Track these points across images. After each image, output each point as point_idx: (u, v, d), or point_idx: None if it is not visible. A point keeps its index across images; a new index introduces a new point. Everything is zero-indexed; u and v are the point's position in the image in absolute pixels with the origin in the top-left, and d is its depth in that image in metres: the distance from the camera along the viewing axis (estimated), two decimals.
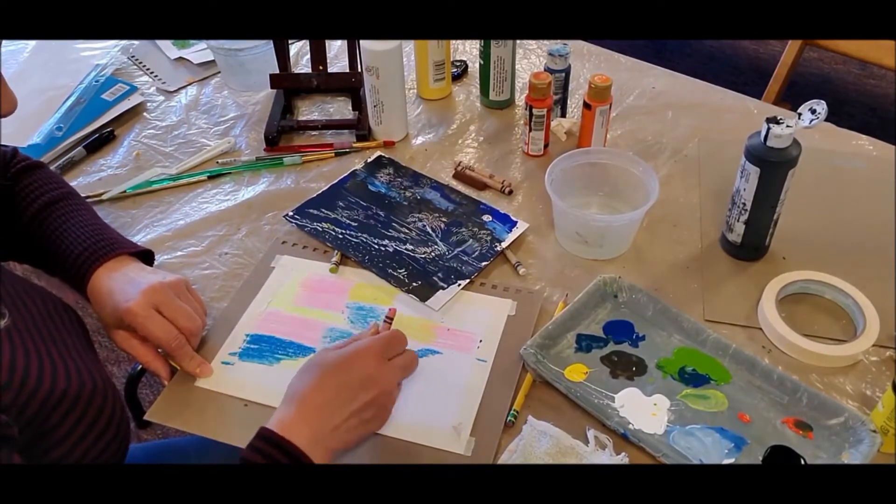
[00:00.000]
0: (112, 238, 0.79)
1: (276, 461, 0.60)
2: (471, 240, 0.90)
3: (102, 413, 0.63)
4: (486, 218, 0.93)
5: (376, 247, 0.89)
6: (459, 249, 0.89)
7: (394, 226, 0.92)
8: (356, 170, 1.01)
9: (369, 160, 1.03)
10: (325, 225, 0.92)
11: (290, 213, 0.94)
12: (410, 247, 0.89)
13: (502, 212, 0.94)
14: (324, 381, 0.65)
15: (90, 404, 0.62)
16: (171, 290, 0.74)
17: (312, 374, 0.66)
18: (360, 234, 0.91)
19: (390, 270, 0.86)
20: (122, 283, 0.74)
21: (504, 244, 0.89)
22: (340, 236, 0.91)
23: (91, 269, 0.75)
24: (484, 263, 0.87)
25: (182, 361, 0.75)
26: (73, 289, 0.78)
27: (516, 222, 0.92)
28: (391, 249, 0.89)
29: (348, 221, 0.93)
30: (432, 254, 0.88)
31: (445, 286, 0.84)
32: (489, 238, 0.90)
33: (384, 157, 1.03)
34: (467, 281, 0.85)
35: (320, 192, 0.97)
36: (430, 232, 0.91)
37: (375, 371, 0.67)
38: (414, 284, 0.85)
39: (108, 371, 1.76)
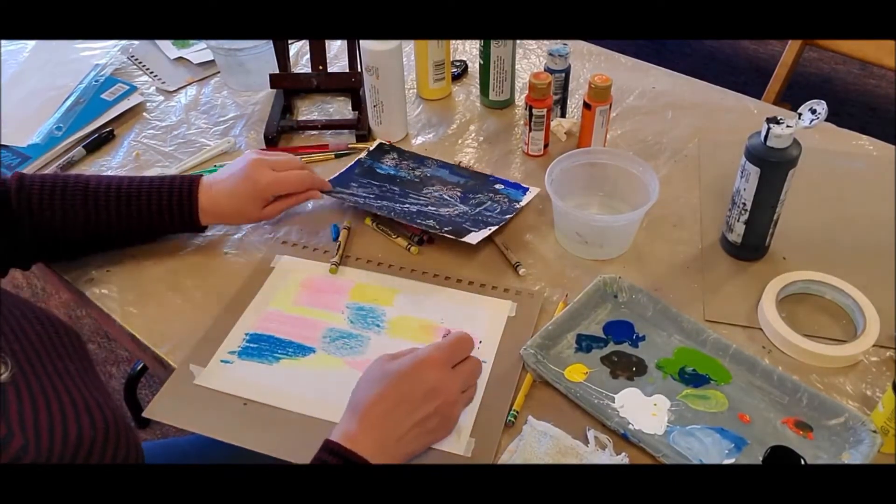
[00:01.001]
0: (163, 178, 0.87)
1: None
2: (489, 202, 0.94)
3: (119, 450, 0.61)
4: (499, 186, 0.97)
5: (399, 209, 0.92)
6: (481, 208, 0.92)
7: (410, 196, 0.95)
8: (361, 158, 1.02)
9: (371, 148, 1.04)
10: (343, 195, 0.94)
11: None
12: (433, 208, 0.92)
13: (511, 181, 0.98)
14: (386, 393, 0.65)
15: (106, 445, 0.59)
16: (256, 156, 0.89)
17: (375, 386, 0.66)
18: (381, 203, 0.93)
19: (419, 220, 0.89)
20: (228, 186, 0.87)
21: (523, 202, 0.94)
22: (362, 201, 0.93)
23: (194, 209, 0.85)
24: (507, 216, 0.91)
25: (314, 182, 0.91)
26: (189, 231, 0.90)
27: (528, 188, 0.96)
28: (415, 209, 0.92)
29: (365, 195, 0.95)
30: (455, 212, 0.92)
31: (477, 230, 0.87)
32: (506, 200, 0.95)
33: (385, 144, 1.05)
34: (497, 227, 0.89)
35: (330, 179, 0.98)
36: (448, 199, 0.94)
37: (438, 381, 0.66)
38: (447, 228, 0.88)
39: (108, 371, 1.76)
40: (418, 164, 1.01)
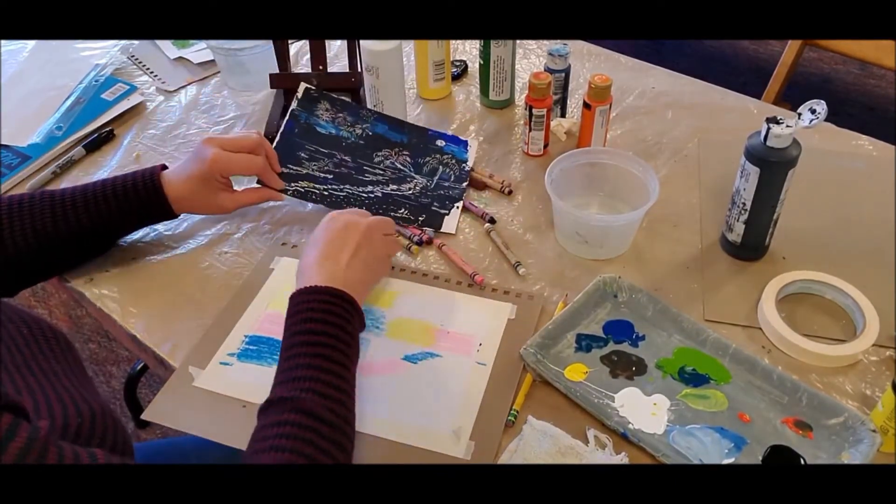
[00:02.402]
0: (125, 175, 0.86)
1: (315, 299, 0.69)
2: (441, 167, 0.99)
3: (105, 441, 0.60)
4: (440, 143, 1.01)
5: (364, 196, 0.94)
6: (437, 178, 0.97)
7: (366, 169, 0.96)
8: (294, 110, 0.99)
9: (299, 96, 1.00)
10: (304, 184, 0.94)
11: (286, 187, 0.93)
12: (394, 186, 0.95)
13: (449, 133, 1.04)
14: (317, 245, 0.75)
15: (93, 432, 0.59)
16: (208, 136, 0.88)
17: (307, 249, 0.76)
18: (343, 187, 0.94)
19: (391, 213, 0.92)
20: (183, 169, 0.86)
21: (470, 163, 1.00)
22: (326, 193, 0.94)
23: (162, 199, 0.85)
24: (464, 184, 0.98)
25: (264, 173, 0.90)
26: (162, 218, 0.88)
27: (466, 141, 1.03)
28: (379, 194, 0.94)
29: (323, 175, 0.95)
30: (417, 187, 0.95)
31: (447, 212, 0.94)
32: (454, 161, 1.00)
33: (310, 89, 1.01)
34: (461, 203, 0.95)
35: (274, 145, 0.94)
36: (402, 168, 0.97)
37: (349, 219, 0.77)
38: (421, 219, 0.92)
39: (108, 371, 1.76)
40: (354, 117, 1.00)
